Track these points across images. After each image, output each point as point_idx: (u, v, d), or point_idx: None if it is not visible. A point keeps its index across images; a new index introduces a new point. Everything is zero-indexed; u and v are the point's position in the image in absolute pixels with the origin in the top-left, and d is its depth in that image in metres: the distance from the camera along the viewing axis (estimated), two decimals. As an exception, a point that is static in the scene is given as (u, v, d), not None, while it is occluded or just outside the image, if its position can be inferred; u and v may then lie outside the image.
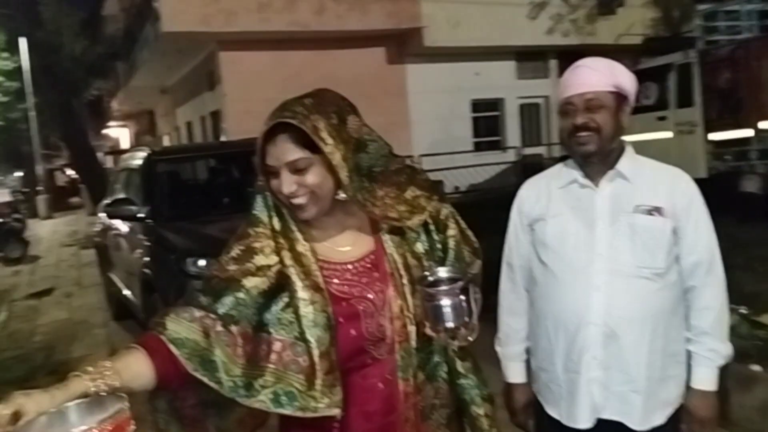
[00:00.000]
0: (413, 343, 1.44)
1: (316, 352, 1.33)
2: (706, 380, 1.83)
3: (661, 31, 15.26)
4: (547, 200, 1.92)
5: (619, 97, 1.82)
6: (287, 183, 1.36)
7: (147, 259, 5.27)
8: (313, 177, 1.37)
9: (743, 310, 4.52)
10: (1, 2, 18.18)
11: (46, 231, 18.46)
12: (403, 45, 14.91)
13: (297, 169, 1.36)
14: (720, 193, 8.48)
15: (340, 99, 1.46)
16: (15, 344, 7.16)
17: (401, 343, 1.43)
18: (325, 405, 1.33)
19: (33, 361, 6.46)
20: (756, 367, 3.70)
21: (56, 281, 10.61)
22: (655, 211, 1.79)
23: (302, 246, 1.42)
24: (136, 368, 1.24)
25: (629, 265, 1.78)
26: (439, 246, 1.54)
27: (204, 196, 6.58)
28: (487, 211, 4.30)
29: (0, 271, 12.63)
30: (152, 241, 5.29)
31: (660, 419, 1.83)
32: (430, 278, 1.42)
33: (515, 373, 2.04)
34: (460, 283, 1.37)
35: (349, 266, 1.45)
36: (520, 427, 2.09)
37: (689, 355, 1.86)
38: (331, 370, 1.34)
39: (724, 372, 1.88)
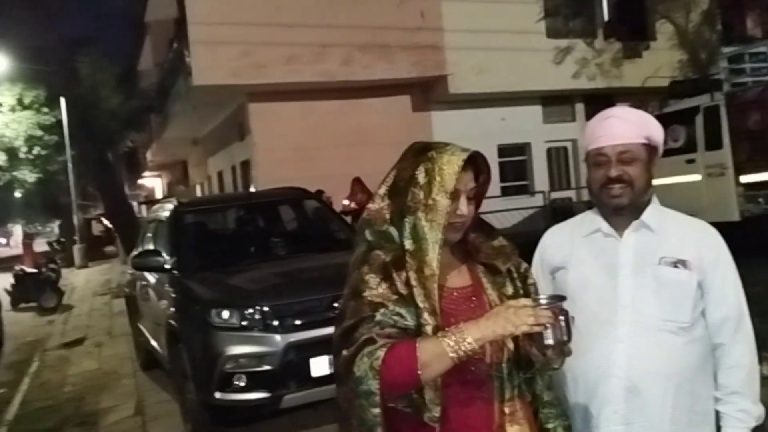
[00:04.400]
0: (506, 366, 1.62)
1: None
2: None
3: (688, 74, 15.17)
4: (570, 248, 1.90)
5: (651, 148, 1.80)
6: (464, 206, 1.62)
7: (172, 310, 5.30)
8: (473, 207, 1.65)
9: (781, 359, 4.35)
10: (40, 59, 18.94)
11: (80, 280, 18.76)
12: (429, 92, 15.06)
13: (470, 195, 1.63)
14: (754, 236, 8.29)
15: None
16: (45, 394, 7.24)
17: (498, 365, 1.61)
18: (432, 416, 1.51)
19: (62, 411, 6.50)
20: (796, 421, 3.54)
21: (88, 331, 10.74)
22: (680, 263, 1.76)
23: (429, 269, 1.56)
24: None
25: (654, 318, 1.74)
26: (521, 293, 1.70)
27: (230, 246, 6.63)
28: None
29: (34, 320, 12.85)
30: (177, 292, 5.32)
31: (686, 480, 1.75)
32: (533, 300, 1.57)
33: None
34: (559, 304, 1.49)
35: (454, 293, 1.64)
36: None
37: (719, 415, 1.79)
38: (436, 389, 1.50)
39: (761, 426, 1.81)
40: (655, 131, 1.80)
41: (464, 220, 1.62)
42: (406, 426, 1.55)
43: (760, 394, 1.81)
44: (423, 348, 1.44)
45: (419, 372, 1.42)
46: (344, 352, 1.52)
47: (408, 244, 1.57)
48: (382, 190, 1.66)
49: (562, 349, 1.52)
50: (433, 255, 1.55)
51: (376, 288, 1.54)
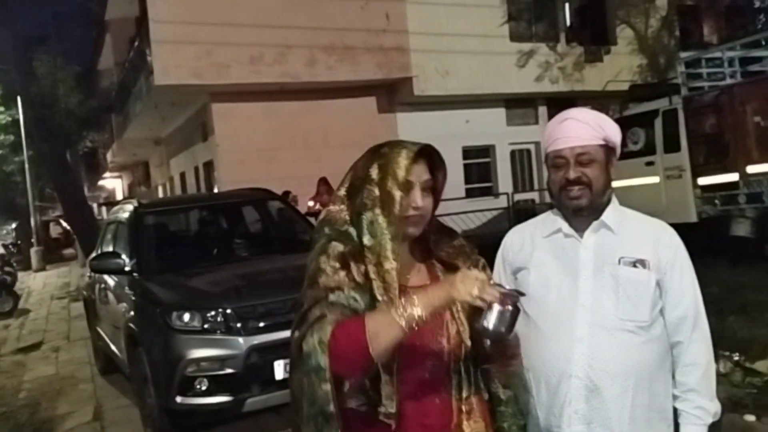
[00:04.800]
0: (463, 364, 1.64)
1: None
2: None
3: (647, 78, 15.51)
4: (531, 249, 1.90)
5: (608, 149, 1.82)
6: (419, 197, 1.62)
7: (132, 313, 5.19)
8: (429, 201, 1.66)
9: (737, 357, 4.46)
10: (-3, 58, 18.47)
11: (37, 283, 18.33)
12: (394, 94, 15.09)
13: (425, 188, 1.64)
14: (711, 237, 8.49)
15: None
16: (-1, 401, 7.03)
17: (456, 363, 1.63)
18: (387, 412, 1.52)
19: (17, 418, 6.33)
20: (750, 417, 3.62)
21: (45, 335, 10.48)
22: (639, 263, 1.78)
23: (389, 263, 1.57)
24: None
25: (612, 318, 1.75)
26: None
27: (192, 248, 6.54)
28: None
29: (-11, 325, 12.49)
30: (137, 295, 5.21)
31: (645, 477, 1.77)
32: None
33: None
34: (512, 293, 1.52)
35: (412, 291, 1.60)
36: None
37: (677, 412, 1.81)
38: (392, 384, 1.52)
39: (717, 422, 1.84)
40: (612, 132, 1.82)
41: (421, 212, 1.62)
42: (360, 426, 1.54)
43: (716, 391, 1.84)
44: (371, 318, 1.44)
45: (369, 343, 1.41)
46: (296, 333, 1.52)
47: (366, 240, 1.58)
48: (342, 192, 1.67)
49: (504, 338, 1.52)
50: (392, 249, 1.55)
51: (332, 275, 1.53)
